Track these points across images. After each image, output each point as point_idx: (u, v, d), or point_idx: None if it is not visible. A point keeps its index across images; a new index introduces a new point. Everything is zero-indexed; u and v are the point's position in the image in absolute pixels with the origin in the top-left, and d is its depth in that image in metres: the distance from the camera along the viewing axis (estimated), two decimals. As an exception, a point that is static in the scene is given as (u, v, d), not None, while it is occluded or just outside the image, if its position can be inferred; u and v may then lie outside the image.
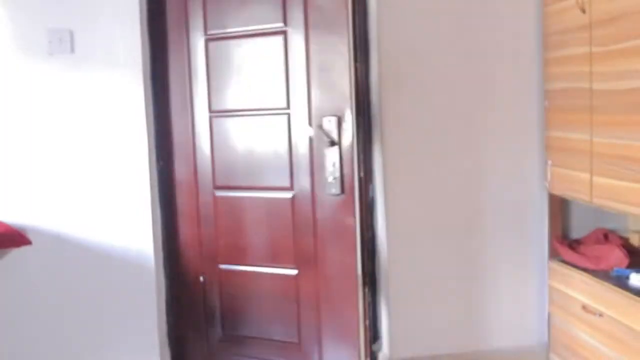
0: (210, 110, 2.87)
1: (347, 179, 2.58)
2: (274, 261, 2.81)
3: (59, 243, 2.77)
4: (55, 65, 2.73)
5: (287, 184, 2.74)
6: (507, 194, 3.07)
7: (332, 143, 2.56)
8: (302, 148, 2.70)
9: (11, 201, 2.73)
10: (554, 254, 3.04)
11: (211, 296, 2.97)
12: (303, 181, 2.70)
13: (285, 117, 2.71)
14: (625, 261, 2.67)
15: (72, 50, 2.73)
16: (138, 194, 2.82)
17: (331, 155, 2.58)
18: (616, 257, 2.70)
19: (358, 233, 2.56)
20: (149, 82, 2.85)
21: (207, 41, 2.84)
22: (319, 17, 2.59)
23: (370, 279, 3.14)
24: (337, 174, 2.57)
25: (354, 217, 2.56)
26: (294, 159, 2.72)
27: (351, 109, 2.54)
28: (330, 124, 2.58)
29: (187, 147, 2.94)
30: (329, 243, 2.68)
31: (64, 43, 2.72)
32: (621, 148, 2.42)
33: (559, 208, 3.08)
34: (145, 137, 2.81)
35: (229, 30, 2.79)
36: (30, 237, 2.57)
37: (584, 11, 2.61)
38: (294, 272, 2.76)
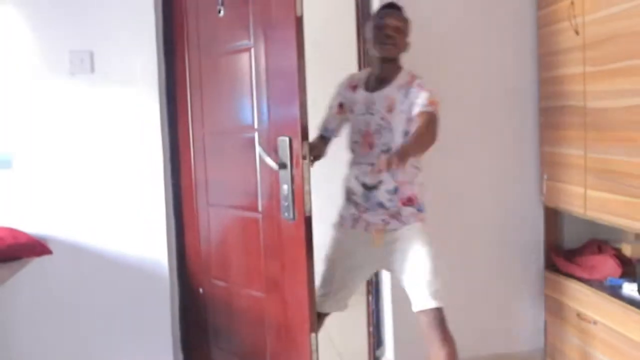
0: (203, 127, 2.83)
1: (297, 204, 2.21)
2: (247, 282, 2.66)
3: (78, 252, 2.76)
4: (76, 84, 2.74)
5: (254, 205, 2.53)
6: (504, 206, 3.07)
7: (283, 165, 2.24)
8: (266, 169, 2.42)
9: (33, 213, 2.73)
10: (549, 264, 3.04)
11: (207, 308, 2.94)
12: (267, 204, 2.47)
13: (254, 135, 2.51)
14: (619, 271, 2.67)
15: (92, 70, 2.74)
16: (153, 206, 2.82)
17: (284, 178, 2.25)
18: (610, 267, 2.70)
19: (306, 262, 2.20)
20: (164, 99, 2.87)
21: (200, 60, 2.83)
22: (278, 33, 2.33)
23: (375, 288, 3.15)
24: (290, 198, 2.23)
25: (304, 244, 2.20)
26: (260, 180, 2.49)
27: (300, 128, 2.16)
28: (283, 144, 2.24)
29: (188, 162, 2.93)
30: (289, 269, 2.38)
31: (85, 64, 2.73)
32: (614, 163, 2.42)
33: (554, 220, 3.08)
34: (161, 151, 2.82)
35: (214, 50, 2.74)
36: (51, 247, 2.57)
37: (577, 33, 2.62)
38: (261, 295, 2.56)
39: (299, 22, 2.15)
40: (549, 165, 2.95)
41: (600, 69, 2.49)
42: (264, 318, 2.56)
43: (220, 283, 2.80)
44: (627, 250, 2.80)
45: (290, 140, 2.21)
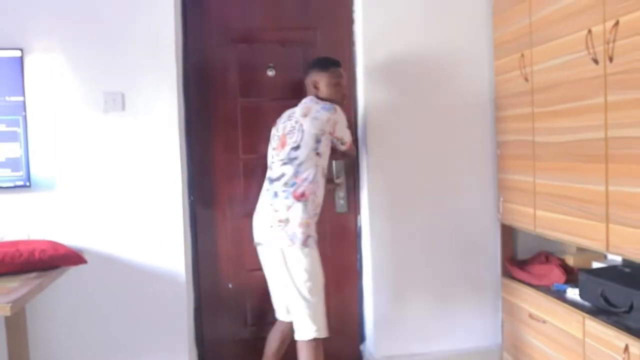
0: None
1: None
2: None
3: (108, 261, 2.74)
4: (109, 120, 2.74)
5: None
6: (468, 224, 3.07)
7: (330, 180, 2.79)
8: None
9: (71, 227, 2.72)
10: (505, 272, 3.03)
11: (239, 298, 2.98)
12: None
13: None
14: (563, 278, 2.67)
15: (123, 108, 2.74)
16: (172, 220, 2.80)
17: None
18: (555, 275, 2.70)
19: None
20: (182, 132, 2.86)
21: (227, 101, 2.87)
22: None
23: (359, 293, 3.14)
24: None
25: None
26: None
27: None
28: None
29: (208, 183, 2.96)
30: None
31: (117, 103, 2.74)
32: (558, 188, 2.44)
33: (509, 235, 3.08)
34: (179, 175, 2.80)
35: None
36: (86, 256, 2.55)
37: (527, 80, 2.65)
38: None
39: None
40: (504, 189, 2.96)
41: (545, 110, 2.52)
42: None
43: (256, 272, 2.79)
44: (570, 260, 2.82)
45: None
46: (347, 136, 2.61)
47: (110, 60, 2.72)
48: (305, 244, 2.38)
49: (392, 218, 2.98)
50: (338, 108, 2.54)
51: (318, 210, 2.49)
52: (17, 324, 2.56)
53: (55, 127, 2.71)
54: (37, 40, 2.67)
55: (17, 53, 2.62)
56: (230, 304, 2.99)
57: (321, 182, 2.49)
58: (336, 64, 2.67)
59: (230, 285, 2.99)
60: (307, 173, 2.43)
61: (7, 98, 2.61)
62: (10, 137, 2.63)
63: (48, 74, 2.69)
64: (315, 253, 2.44)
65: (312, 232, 2.44)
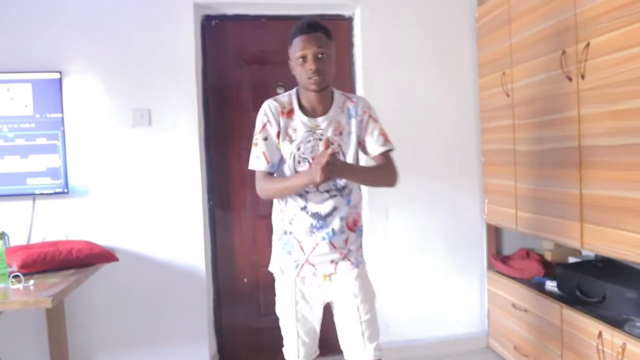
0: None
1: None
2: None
3: (138, 259, 2.76)
4: (137, 134, 2.77)
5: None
6: (457, 223, 3.07)
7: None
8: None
9: (104, 229, 2.74)
10: (490, 266, 3.04)
11: (253, 291, 2.99)
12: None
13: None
14: (542, 272, 2.68)
15: (150, 123, 2.77)
16: (194, 224, 2.82)
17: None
18: (535, 269, 2.71)
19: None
20: (202, 143, 2.89)
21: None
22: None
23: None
24: None
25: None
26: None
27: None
28: None
29: (226, 190, 2.97)
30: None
31: (144, 119, 2.76)
32: (537, 191, 2.45)
33: (494, 233, 3.09)
34: (200, 181, 2.83)
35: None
36: (117, 255, 2.57)
37: (508, 95, 2.66)
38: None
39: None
40: (489, 193, 2.97)
41: (525, 122, 2.53)
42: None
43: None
44: (548, 255, 2.82)
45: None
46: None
47: (138, 81, 2.75)
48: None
49: (388, 218, 2.99)
50: (265, 103, 1.82)
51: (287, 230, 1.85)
52: (56, 315, 2.58)
53: (90, 140, 2.74)
54: (74, 63, 2.70)
55: (57, 75, 2.65)
56: (246, 297, 3.00)
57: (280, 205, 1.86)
58: (302, 30, 1.71)
59: (245, 280, 3.00)
60: None
61: (47, 115, 2.65)
62: (51, 149, 2.66)
63: (83, 93, 2.73)
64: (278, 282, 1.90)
65: (278, 256, 1.88)
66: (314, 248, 1.81)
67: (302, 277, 1.83)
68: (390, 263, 3.00)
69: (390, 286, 3.00)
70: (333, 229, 1.79)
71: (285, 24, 2.94)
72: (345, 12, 3.02)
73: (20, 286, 2.04)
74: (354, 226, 1.86)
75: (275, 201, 1.87)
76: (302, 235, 1.81)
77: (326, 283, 1.84)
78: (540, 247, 2.94)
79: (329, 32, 1.76)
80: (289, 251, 1.84)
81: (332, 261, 1.82)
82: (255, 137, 1.81)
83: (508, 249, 3.10)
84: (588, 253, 2.58)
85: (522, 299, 2.61)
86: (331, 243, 1.80)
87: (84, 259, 2.38)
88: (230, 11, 2.92)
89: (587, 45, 1.99)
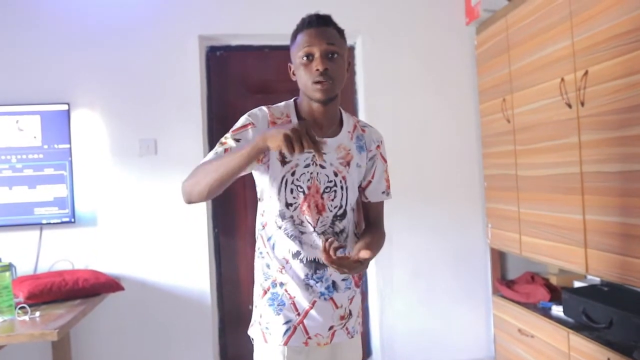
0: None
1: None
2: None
3: (144, 287, 2.76)
4: (144, 163, 2.79)
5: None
6: (461, 248, 3.05)
7: None
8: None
9: (111, 258, 2.74)
10: (495, 291, 3.00)
11: None
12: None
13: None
14: (548, 296, 2.64)
15: (156, 152, 2.79)
16: (200, 251, 2.82)
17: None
18: (541, 294, 2.67)
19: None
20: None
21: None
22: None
23: (365, 313, 3.11)
24: None
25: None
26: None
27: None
28: None
29: (231, 220, 2.95)
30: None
31: (150, 148, 2.78)
32: (540, 216, 2.43)
33: (498, 258, 3.06)
34: (205, 211, 2.83)
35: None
36: (123, 283, 2.56)
37: (509, 121, 2.67)
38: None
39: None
40: (492, 217, 2.96)
41: (526, 148, 2.53)
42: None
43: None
44: (554, 280, 2.78)
45: None
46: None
47: (145, 112, 2.78)
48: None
49: (394, 244, 2.97)
50: (256, 108, 1.39)
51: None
52: (62, 345, 2.55)
53: (97, 170, 2.76)
54: (82, 96, 2.74)
55: (65, 107, 2.68)
56: (251, 324, 2.97)
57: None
58: (311, 22, 1.34)
59: (250, 307, 2.95)
60: None
61: (55, 145, 2.67)
62: (58, 179, 2.67)
63: (91, 124, 2.76)
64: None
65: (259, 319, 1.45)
66: (311, 307, 1.37)
67: (291, 345, 1.36)
68: (395, 288, 2.97)
69: (396, 310, 2.97)
70: (334, 282, 1.39)
71: (288, 54, 2.97)
72: (347, 41, 3.05)
73: (26, 317, 2.03)
74: (359, 280, 1.47)
75: (257, 246, 1.44)
76: (296, 288, 1.37)
77: (318, 355, 1.40)
78: (545, 270, 2.91)
79: (343, 32, 1.37)
80: (277, 310, 1.39)
81: (330, 327, 1.39)
82: (225, 135, 1.33)
83: (513, 273, 3.07)
84: (593, 277, 2.55)
85: (528, 324, 2.57)
86: (332, 300, 1.39)
87: (90, 289, 2.37)
88: (235, 42, 2.96)
89: (586, 73, 2.00)
